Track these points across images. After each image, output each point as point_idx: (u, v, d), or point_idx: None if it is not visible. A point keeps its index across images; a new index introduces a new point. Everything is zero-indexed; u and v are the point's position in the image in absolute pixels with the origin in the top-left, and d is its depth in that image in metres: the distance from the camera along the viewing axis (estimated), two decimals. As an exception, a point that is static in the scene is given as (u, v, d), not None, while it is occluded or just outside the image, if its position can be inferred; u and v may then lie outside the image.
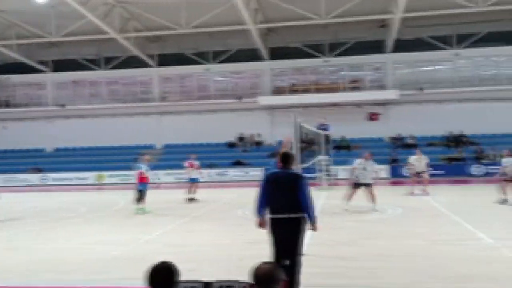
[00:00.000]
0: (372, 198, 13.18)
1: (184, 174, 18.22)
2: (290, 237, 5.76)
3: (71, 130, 31.97)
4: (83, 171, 29.15)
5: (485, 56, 28.91)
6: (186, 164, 17.96)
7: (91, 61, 32.40)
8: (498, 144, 26.45)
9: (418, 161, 17.17)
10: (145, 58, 30.81)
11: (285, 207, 5.75)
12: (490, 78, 28.88)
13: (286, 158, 6.04)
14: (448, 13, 25.08)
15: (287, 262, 5.66)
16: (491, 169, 24.88)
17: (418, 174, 17.43)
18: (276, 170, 6.20)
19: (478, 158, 26.47)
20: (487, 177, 23.43)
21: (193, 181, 17.51)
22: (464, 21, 27.16)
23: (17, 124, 32.88)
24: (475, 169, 25.44)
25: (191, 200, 17.01)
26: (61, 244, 9.76)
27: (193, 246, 9.11)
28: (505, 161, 14.37)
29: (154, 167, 29.51)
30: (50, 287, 6.24)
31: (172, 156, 29.37)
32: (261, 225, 5.93)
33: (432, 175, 24.78)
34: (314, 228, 5.87)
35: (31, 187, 27.71)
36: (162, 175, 27.39)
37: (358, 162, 13.51)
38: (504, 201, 13.68)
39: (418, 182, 17.26)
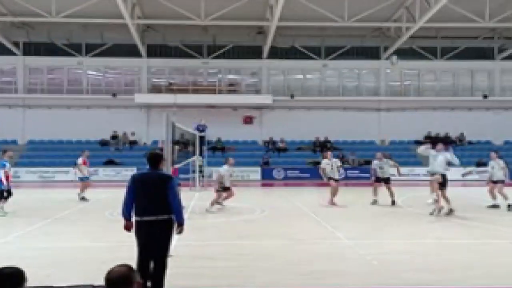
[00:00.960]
0: (391, 193, 14.78)
1: (76, 172, 17.58)
2: (158, 239, 5.64)
3: None
4: None
5: (349, 68, 31.46)
6: (79, 160, 17.01)
7: None
8: (357, 150, 28.96)
9: (329, 165, 15.16)
10: (8, 45, 28.31)
11: (153, 208, 5.62)
12: (352, 89, 31.50)
13: (154, 158, 5.90)
14: (318, 26, 26.81)
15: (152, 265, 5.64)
16: (350, 173, 27.17)
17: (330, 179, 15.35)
18: (143, 171, 6.08)
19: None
20: (346, 180, 25.42)
21: (86, 180, 16.89)
22: (332, 34, 29.25)
23: None
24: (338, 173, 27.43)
25: (83, 199, 16.26)
26: None
27: (53, 250, 8.62)
28: (376, 163, 15.33)
29: (15, 164, 27.38)
30: None
31: (36, 153, 27.43)
32: (128, 228, 5.79)
33: (299, 178, 26.29)
34: (180, 231, 5.79)
35: None
36: (24, 173, 25.42)
37: (375, 163, 15.30)
38: (375, 202, 14.90)
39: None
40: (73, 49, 29.68)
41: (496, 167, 14.19)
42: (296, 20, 25.66)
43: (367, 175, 14.46)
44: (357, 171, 27.15)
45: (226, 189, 14.08)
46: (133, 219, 5.71)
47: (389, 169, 15.24)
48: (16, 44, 29.05)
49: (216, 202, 13.89)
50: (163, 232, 5.65)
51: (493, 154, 14.72)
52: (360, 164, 27.59)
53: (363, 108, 30.44)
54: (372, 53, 31.14)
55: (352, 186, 22.80)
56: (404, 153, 28.35)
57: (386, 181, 15.10)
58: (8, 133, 28.68)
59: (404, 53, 29.63)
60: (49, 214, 12.94)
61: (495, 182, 14.14)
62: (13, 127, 28.89)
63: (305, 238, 9.71)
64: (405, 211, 13.99)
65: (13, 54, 29.10)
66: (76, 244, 9.23)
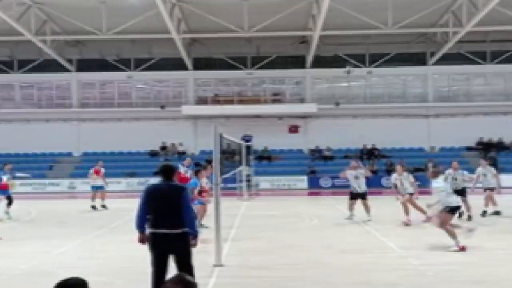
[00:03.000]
0: (419, 210, 12.71)
1: (90, 181, 17.89)
2: (176, 252, 5.57)
3: (-22, 136, 29.95)
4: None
5: (395, 75, 31.03)
6: (91, 170, 17.76)
7: (4, 63, 30.70)
8: (405, 157, 28.40)
9: (398, 180, 13.45)
10: (63, 62, 29.71)
11: (168, 221, 5.53)
12: (398, 96, 31.02)
13: (166, 170, 5.81)
14: (362, 33, 26.66)
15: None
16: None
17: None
18: (156, 182, 5.95)
19: (388, 171, 28.17)
20: (395, 188, 24.95)
21: (97, 189, 17.41)
22: (376, 41, 29.00)
23: None
24: (385, 181, 27.01)
25: (94, 208, 16.90)
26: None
27: (109, 259, 9.00)
28: (394, 177, 13.74)
29: (71, 175, 28.58)
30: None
31: (90, 165, 28.39)
32: (142, 240, 5.70)
33: (346, 187, 26.02)
34: (194, 244, 5.68)
35: None
36: (79, 184, 26.49)
37: (394, 177, 13.64)
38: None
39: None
40: (123, 64, 30.79)
41: (489, 175, 13.96)
42: (339, 28, 25.63)
43: (416, 182, 13.73)
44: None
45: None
46: (148, 231, 5.65)
47: (409, 183, 13.18)
48: (70, 61, 30.45)
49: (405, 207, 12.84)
50: (180, 245, 5.57)
51: (483, 162, 14.45)
52: (409, 172, 26.99)
53: (411, 115, 29.87)
54: (418, 59, 30.61)
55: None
56: (455, 159, 27.52)
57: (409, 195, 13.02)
58: (64, 146, 30.02)
59: (452, 58, 28.96)
60: (104, 224, 13.50)
61: (491, 189, 13.88)
62: (69, 140, 30.18)
63: (355, 248, 9.68)
64: (457, 220, 13.62)
65: (68, 70, 30.50)
66: (131, 253, 9.55)
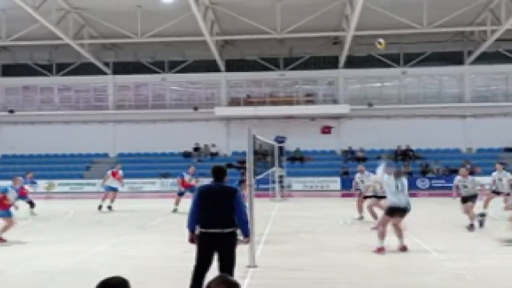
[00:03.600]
0: (485, 204, 13.41)
1: (105, 182, 18.02)
2: (224, 252, 5.74)
3: (20, 137, 30.94)
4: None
5: (430, 75, 30.44)
6: (109, 172, 18.02)
7: (43, 66, 31.67)
8: (441, 159, 27.88)
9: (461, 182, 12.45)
10: (100, 65, 30.45)
11: (219, 221, 5.70)
12: (434, 96, 30.41)
13: (218, 172, 6.02)
14: (396, 33, 26.28)
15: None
16: (435, 182, 26.21)
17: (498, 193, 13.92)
18: (209, 183, 6.15)
19: (423, 172, 27.71)
20: (431, 190, 24.58)
21: (110, 190, 17.63)
22: (410, 41, 28.53)
23: (-38, 129, 31.63)
24: (420, 182, 26.58)
25: (100, 208, 17.12)
26: (4, 255, 9.56)
27: (144, 258, 9.17)
28: (459, 179, 12.63)
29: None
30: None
31: (125, 166, 29.00)
32: (193, 240, 5.87)
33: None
34: (247, 241, 5.94)
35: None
36: (116, 184, 27.01)
37: (457, 179, 12.60)
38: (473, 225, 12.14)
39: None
40: (157, 67, 31.32)
41: (504, 180, 13.54)
42: (373, 28, 25.30)
43: (452, 184, 13.30)
44: (442, 181, 26.09)
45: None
46: (198, 231, 5.82)
47: (473, 186, 12.40)
48: (106, 64, 31.18)
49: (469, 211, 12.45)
50: (229, 244, 5.76)
51: (499, 166, 13.84)
52: (445, 174, 26.53)
53: (447, 115, 29.23)
54: (454, 59, 29.92)
55: (437, 196, 21.98)
56: (493, 161, 26.81)
57: (471, 198, 12.33)
58: (101, 147, 30.77)
59: (490, 57, 28.21)
60: (139, 224, 13.76)
61: (497, 193, 13.53)
62: (105, 141, 30.91)
63: (390, 251, 9.56)
64: (496, 222, 13.29)
65: (104, 73, 31.24)
66: (166, 253, 9.75)
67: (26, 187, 15.48)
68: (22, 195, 14.77)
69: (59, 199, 23.98)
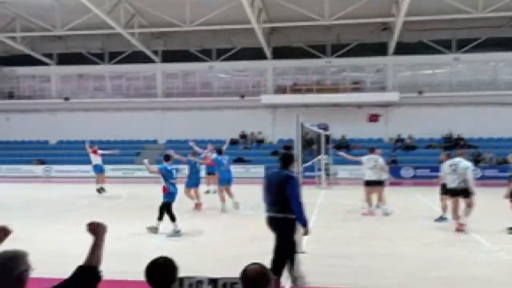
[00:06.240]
0: None
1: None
2: (277, 235, 5.95)
3: (74, 123, 32.26)
4: (86, 164, 29.42)
5: (484, 61, 29.31)
6: (89, 149, 18.62)
7: (96, 55, 32.72)
8: (494, 148, 26.89)
9: None
10: (149, 53, 31.13)
11: (273, 206, 5.95)
12: (488, 83, 29.25)
13: (283, 159, 6.20)
14: (449, 18, 25.41)
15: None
16: (488, 172, 25.35)
17: None
18: (274, 170, 6.43)
19: (475, 161, 26.78)
20: (483, 180, 23.79)
21: (99, 171, 18.34)
22: (464, 26, 27.51)
23: (21, 116, 33.21)
24: (472, 172, 25.74)
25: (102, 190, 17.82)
26: (61, 236, 10.03)
27: (190, 242, 9.42)
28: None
29: (157, 161, 30.00)
30: (46, 278, 6.60)
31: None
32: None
33: (429, 177, 25.18)
34: (305, 232, 5.93)
35: (34, 178, 28.08)
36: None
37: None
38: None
39: None
40: (205, 55, 31.70)
41: None
42: (424, 14, 24.62)
43: (505, 174, 12.78)
44: (495, 170, 25.21)
45: None
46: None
47: None
48: (155, 52, 31.84)
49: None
50: (281, 229, 5.90)
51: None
52: (499, 163, 25.59)
53: (502, 103, 28.06)
54: (510, 44, 28.63)
55: (490, 186, 21.27)
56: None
57: None
58: (150, 133, 31.62)
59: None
60: (189, 208, 14.12)
61: None
62: (154, 128, 31.72)
63: (440, 241, 9.44)
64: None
65: (153, 62, 31.94)
66: (211, 237, 9.99)
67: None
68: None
69: (112, 183, 24.84)
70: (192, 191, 13.99)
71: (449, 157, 11.71)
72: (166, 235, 10.05)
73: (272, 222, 5.98)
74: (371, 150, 13.42)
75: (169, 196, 10.43)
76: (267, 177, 6.38)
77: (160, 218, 10.36)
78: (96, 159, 18.50)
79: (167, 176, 10.41)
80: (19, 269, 2.75)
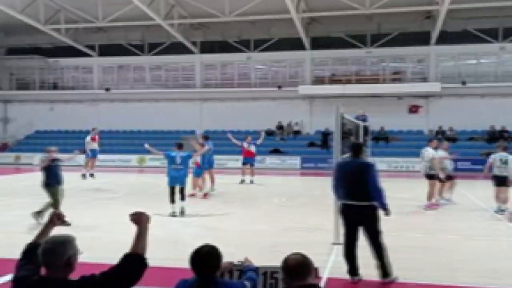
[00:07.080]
0: None
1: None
2: (364, 224, 6.13)
3: (115, 114, 32.97)
4: (126, 153, 30.15)
5: (532, 51, 28.08)
6: (88, 138, 19.02)
7: (136, 46, 33.26)
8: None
9: None
10: (188, 44, 31.40)
11: (354, 194, 6.08)
12: (538, 73, 28.06)
13: (355, 148, 6.38)
14: (495, 6, 24.45)
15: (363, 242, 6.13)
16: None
17: None
18: (346, 159, 6.69)
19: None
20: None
21: (93, 156, 18.78)
22: (511, 14, 26.40)
23: (64, 106, 34.21)
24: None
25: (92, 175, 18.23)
26: (99, 223, 10.30)
27: (228, 231, 9.51)
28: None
29: (194, 152, 30.33)
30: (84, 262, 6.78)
31: (212, 142, 29.97)
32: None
33: (471, 170, 24.49)
34: (387, 213, 6.16)
35: (76, 167, 28.86)
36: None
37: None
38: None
39: None
40: (243, 45, 31.71)
41: None
42: (469, 1, 23.79)
43: None
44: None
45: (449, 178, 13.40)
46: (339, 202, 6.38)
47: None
48: (194, 43, 32.09)
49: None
50: (368, 217, 6.10)
51: None
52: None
53: (549, 94, 26.95)
54: (562, 32, 27.36)
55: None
56: None
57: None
58: (188, 124, 31.96)
59: None
60: (224, 198, 14.25)
61: None
62: (192, 118, 32.06)
63: (480, 234, 9.20)
64: None
65: (192, 52, 32.21)
66: (249, 227, 10.04)
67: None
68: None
69: (150, 173, 25.35)
70: (200, 180, 14.54)
71: (438, 144, 12.75)
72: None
73: (354, 210, 6.09)
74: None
75: (168, 178, 11.55)
76: (340, 165, 6.50)
77: (172, 201, 11.35)
78: (93, 145, 19.06)
79: (168, 161, 11.60)
80: (68, 254, 2.85)
